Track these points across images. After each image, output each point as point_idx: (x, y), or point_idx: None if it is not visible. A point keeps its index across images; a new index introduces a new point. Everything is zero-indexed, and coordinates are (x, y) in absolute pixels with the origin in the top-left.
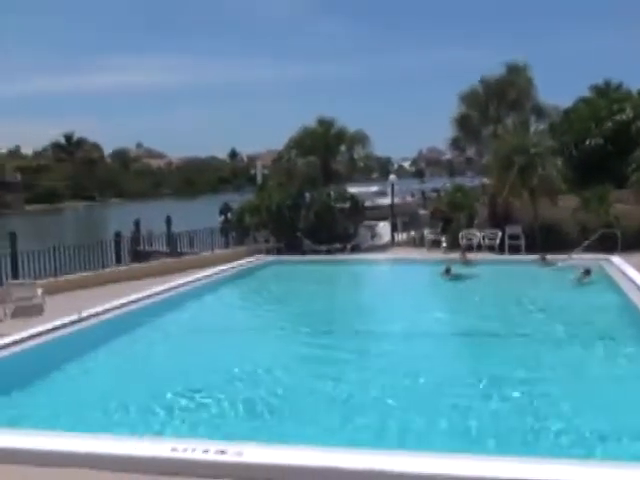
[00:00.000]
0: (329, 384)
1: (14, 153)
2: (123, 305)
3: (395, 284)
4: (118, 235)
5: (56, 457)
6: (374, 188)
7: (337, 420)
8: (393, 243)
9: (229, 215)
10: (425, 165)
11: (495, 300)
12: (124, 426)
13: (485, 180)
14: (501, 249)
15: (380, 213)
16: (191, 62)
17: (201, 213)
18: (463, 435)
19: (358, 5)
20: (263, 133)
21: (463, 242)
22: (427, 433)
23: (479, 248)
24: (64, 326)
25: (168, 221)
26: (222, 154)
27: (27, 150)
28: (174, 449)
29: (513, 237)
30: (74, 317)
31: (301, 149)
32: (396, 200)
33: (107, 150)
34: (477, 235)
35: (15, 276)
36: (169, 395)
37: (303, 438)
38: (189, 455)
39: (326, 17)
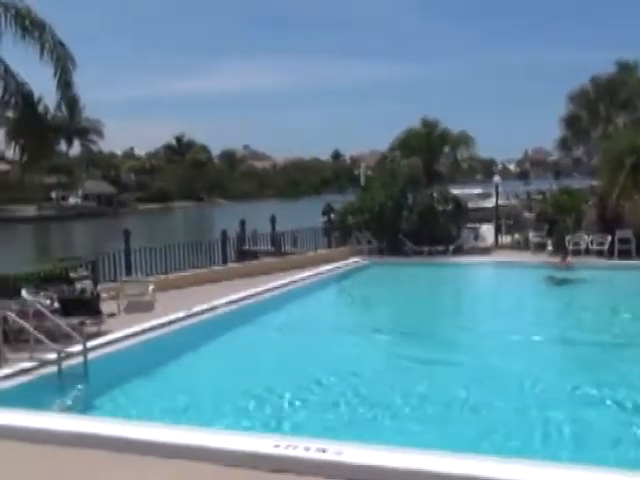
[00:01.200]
0: (429, 388)
1: (129, 155)
2: (229, 302)
3: (498, 288)
4: (224, 235)
5: (159, 448)
6: (477, 190)
7: (436, 423)
8: (496, 246)
9: (332, 216)
10: (530, 166)
11: (605, 307)
12: (227, 419)
13: (593, 182)
14: (610, 253)
15: (484, 215)
16: (295, 64)
17: (304, 214)
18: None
19: (463, 4)
20: (366, 134)
21: (570, 246)
22: (528, 442)
23: (587, 252)
24: (175, 321)
25: (272, 221)
26: (325, 155)
27: (141, 152)
28: (277, 445)
29: (623, 241)
30: (184, 313)
31: (405, 150)
32: (500, 202)
33: (215, 152)
34: (585, 239)
35: (128, 273)
36: (271, 391)
37: (402, 440)
38: (291, 452)
39: (430, 16)
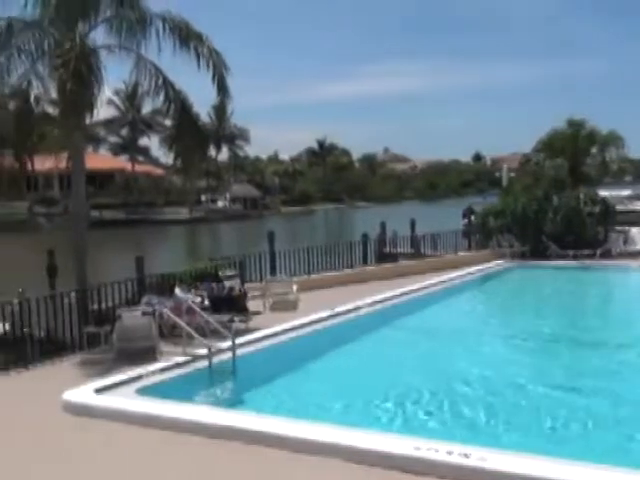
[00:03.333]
0: (575, 397)
1: (273, 159)
2: (371, 303)
3: None
4: (365, 237)
5: (303, 445)
6: (627, 191)
7: (580, 435)
8: None
9: (472, 218)
10: None
11: None
12: (367, 419)
13: None
14: None
15: (634, 218)
16: (436, 66)
17: (444, 216)
18: None
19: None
20: (508, 136)
21: None
22: None
23: None
24: (318, 321)
25: (412, 223)
26: (466, 157)
27: (284, 156)
28: (417, 448)
29: None
30: (327, 313)
31: (549, 151)
32: None
33: (356, 155)
34: None
35: (273, 273)
36: (411, 392)
37: (549, 449)
38: (432, 455)
39: (574, 14)
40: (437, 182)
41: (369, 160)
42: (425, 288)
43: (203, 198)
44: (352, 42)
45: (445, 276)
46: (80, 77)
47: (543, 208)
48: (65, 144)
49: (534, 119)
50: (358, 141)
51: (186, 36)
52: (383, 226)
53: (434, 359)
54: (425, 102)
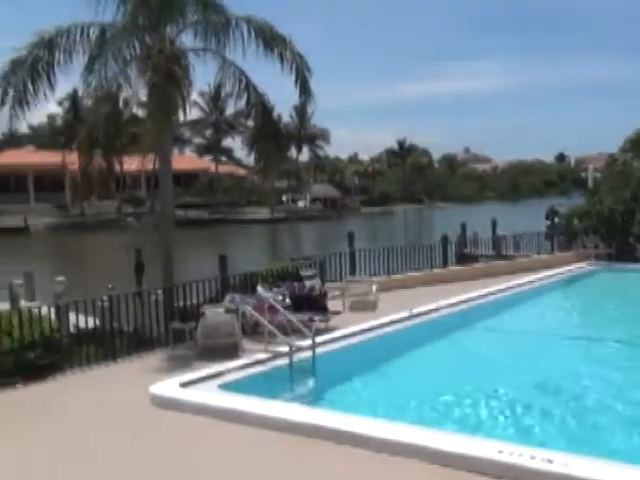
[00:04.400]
0: None
1: (353, 159)
2: (450, 305)
3: None
4: (445, 238)
5: (385, 445)
6: None
7: None
8: None
9: (555, 219)
10: None
11: None
12: (447, 421)
13: None
14: None
15: None
16: (520, 64)
17: (526, 217)
18: None
19: None
20: (593, 135)
21: None
22: None
23: None
24: (397, 321)
25: (494, 224)
26: (548, 157)
27: (364, 156)
28: (500, 451)
29: None
30: (406, 313)
31: (637, 151)
32: None
33: (436, 155)
34: None
35: (353, 273)
36: (492, 395)
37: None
38: (515, 459)
39: None
40: (519, 182)
41: (449, 160)
42: (507, 289)
43: (284, 198)
44: (432, 42)
45: (528, 278)
46: (172, 79)
47: (631, 209)
48: (154, 145)
49: (621, 118)
50: (438, 141)
51: (270, 39)
52: (463, 227)
53: (516, 361)
54: (507, 101)
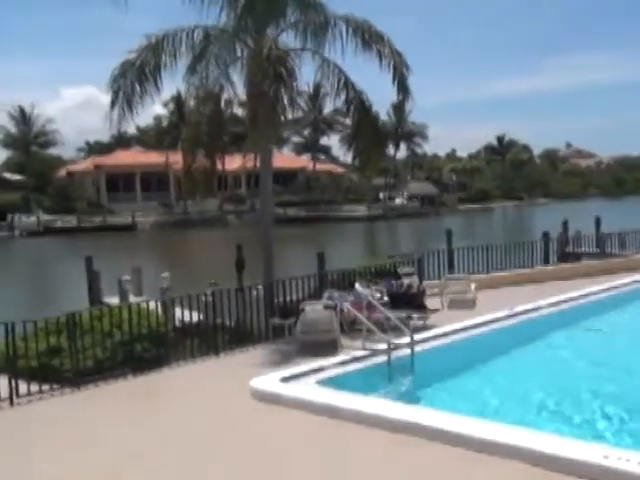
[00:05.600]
0: None
1: (451, 156)
2: (552, 304)
3: None
4: (546, 235)
5: (483, 445)
6: None
7: None
8: None
9: None
10: None
11: None
12: (549, 424)
13: None
14: None
15: None
16: (625, 56)
17: (632, 214)
18: None
19: None
20: None
21: None
22: None
23: None
24: (496, 320)
25: (597, 221)
26: None
27: (462, 153)
28: (606, 456)
29: None
30: (506, 312)
31: None
32: None
33: (536, 151)
34: None
35: (451, 271)
36: (594, 398)
37: None
38: (622, 465)
39: None
40: (624, 178)
41: (550, 155)
42: (612, 289)
43: (381, 196)
44: (530, 36)
45: (632, 277)
46: (279, 79)
47: None
48: (259, 145)
49: None
50: (538, 137)
51: (368, 37)
52: (565, 224)
53: (620, 364)
54: (611, 95)
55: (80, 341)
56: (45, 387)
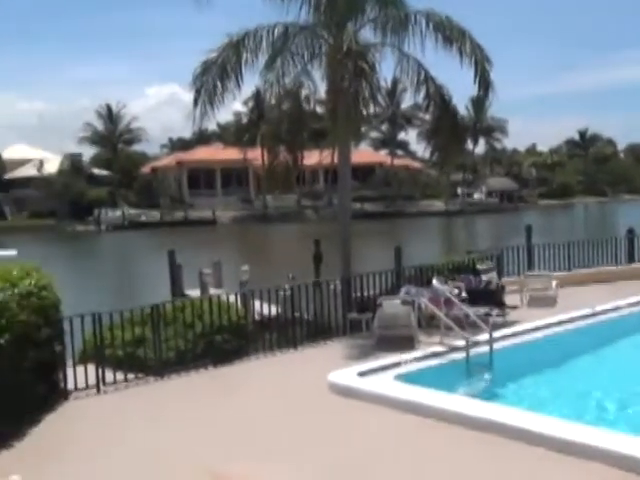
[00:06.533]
0: None
1: (531, 151)
2: (630, 304)
3: None
4: (631, 232)
5: (563, 445)
6: None
7: None
8: None
9: None
10: None
11: None
12: (623, 425)
13: None
14: None
15: None
16: None
17: None
18: None
19: None
20: None
21: None
22: None
23: None
24: (578, 318)
25: None
26: None
27: (543, 148)
28: None
29: None
30: (588, 310)
31: None
32: None
33: (620, 146)
34: None
35: (530, 267)
36: None
37: None
38: None
39: None
40: None
41: (635, 150)
42: None
43: (459, 191)
44: (614, 28)
45: None
46: (359, 74)
47: None
48: (339, 140)
49: None
50: (622, 131)
51: (449, 33)
52: None
53: None
54: None
55: (164, 332)
56: (130, 376)
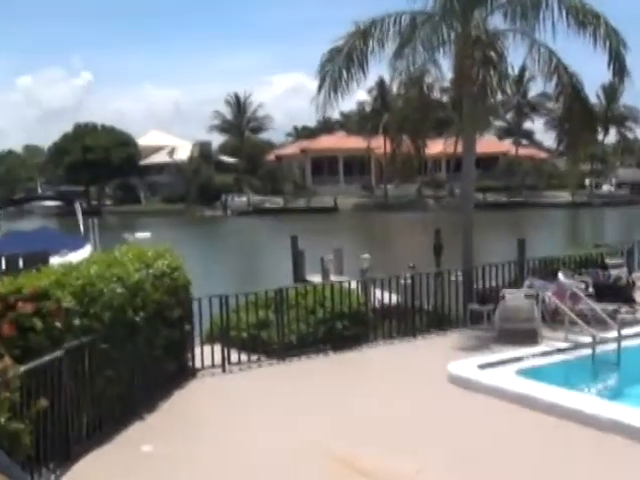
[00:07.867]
0: None
1: None
2: None
3: None
4: None
5: None
6: None
7: None
8: None
9: None
10: None
11: None
12: None
13: None
14: None
15: None
16: None
17: None
18: None
19: None
20: None
21: None
22: None
23: None
24: None
25: None
26: None
27: None
28: None
29: None
30: None
31: None
32: None
33: None
34: None
35: None
36: None
37: None
38: None
39: None
40: None
41: None
42: None
43: (586, 182)
44: None
45: None
46: (488, 62)
47: None
48: (466, 129)
49: None
50: None
51: (582, 16)
52: None
53: None
54: None
55: (286, 316)
56: (253, 357)
